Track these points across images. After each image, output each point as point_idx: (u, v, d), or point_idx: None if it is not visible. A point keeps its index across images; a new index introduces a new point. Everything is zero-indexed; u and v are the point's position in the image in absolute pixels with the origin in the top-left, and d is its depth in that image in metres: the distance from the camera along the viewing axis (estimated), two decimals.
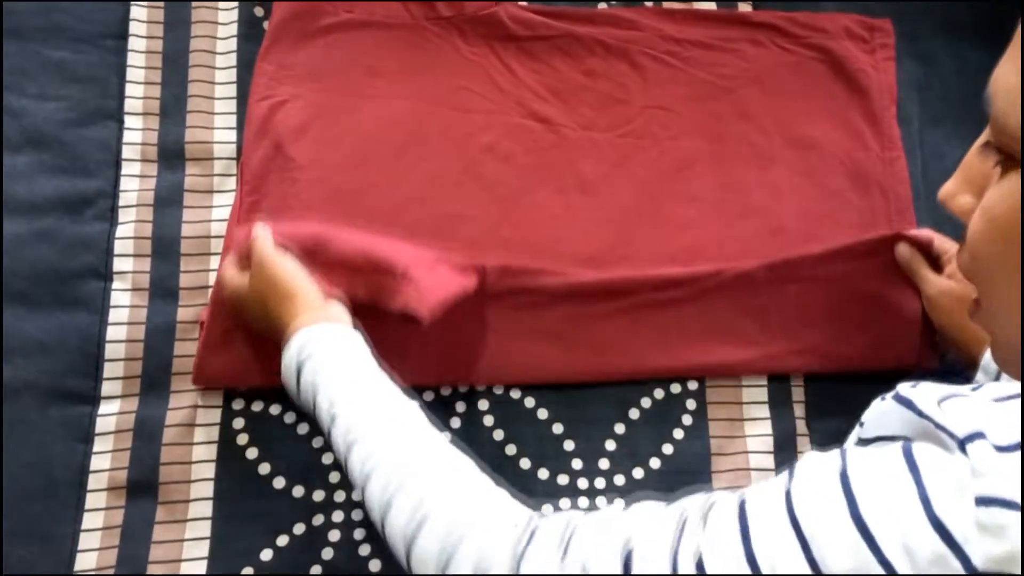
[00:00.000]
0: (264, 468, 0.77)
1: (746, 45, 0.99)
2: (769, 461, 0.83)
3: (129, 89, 0.87)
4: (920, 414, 0.37)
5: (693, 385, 0.85)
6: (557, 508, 0.79)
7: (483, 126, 0.91)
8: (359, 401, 0.59)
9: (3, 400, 0.75)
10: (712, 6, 1.01)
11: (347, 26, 0.92)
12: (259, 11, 0.92)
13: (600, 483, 0.81)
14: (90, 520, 0.74)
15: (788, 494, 0.39)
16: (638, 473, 0.82)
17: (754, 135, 0.95)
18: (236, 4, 0.91)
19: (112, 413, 0.77)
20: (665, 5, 1.00)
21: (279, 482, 0.77)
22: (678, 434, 0.83)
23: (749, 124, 0.95)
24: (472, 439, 0.81)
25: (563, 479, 0.81)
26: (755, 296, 0.85)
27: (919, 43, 1.02)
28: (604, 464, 0.82)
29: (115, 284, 0.81)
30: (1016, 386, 0.37)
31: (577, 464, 0.82)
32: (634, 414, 0.84)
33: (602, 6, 0.99)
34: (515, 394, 0.83)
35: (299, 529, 0.76)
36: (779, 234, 0.90)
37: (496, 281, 0.82)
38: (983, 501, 0.32)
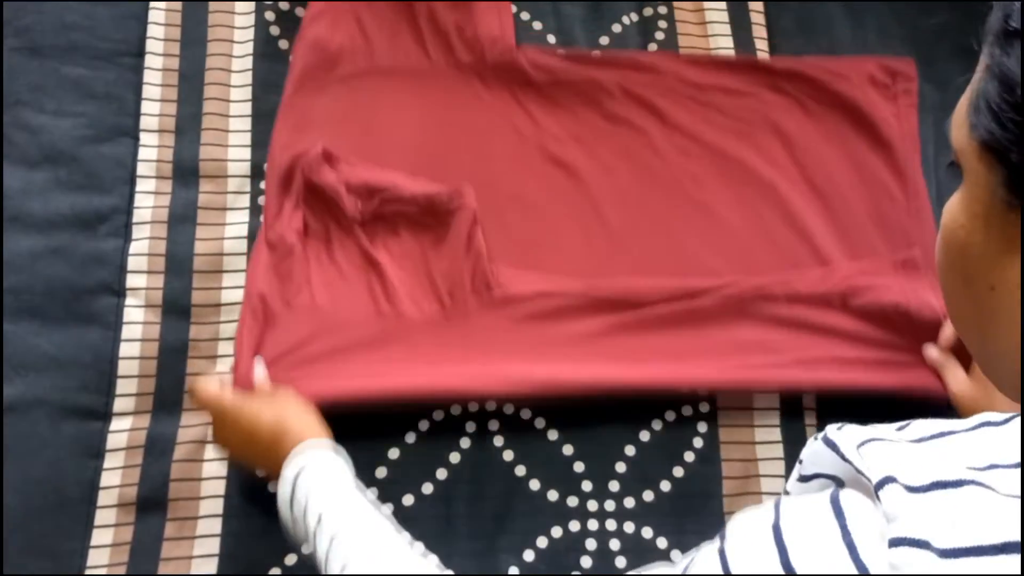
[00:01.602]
0: (273, 486, 0.77)
1: (767, 92, 0.97)
2: (781, 485, 0.82)
3: (145, 107, 0.88)
4: (843, 458, 0.38)
5: (705, 407, 0.85)
6: (566, 530, 0.79)
7: (505, 173, 0.90)
8: (343, 512, 0.63)
9: (15, 415, 0.76)
10: (730, 53, 1.00)
11: (368, 73, 0.91)
12: (275, 30, 0.93)
13: (610, 505, 0.81)
14: (99, 536, 0.74)
15: (722, 552, 0.39)
16: (648, 496, 0.81)
17: (779, 182, 0.93)
18: (252, 23, 0.92)
19: (124, 429, 0.77)
20: (683, 51, 0.99)
21: None
22: (689, 457, 0.83)
23: (773, 171, 0.93)
24: (481, 460, 0.81)
25: (573, 501, 0.80)
26: (771, 308, 0.85)
27: (935, 67, 1.02)
28: (614, 486, 0.81)
29: (128, 300, 0.81)
30: (939, 425, 0.38)
31: (587, 486, 0.81)
32: (645, 436, 0.83)
33: (596, 53, 0.97)
34: (525, 415, 0.83)
35: (307, 548, 0.76)
36: None
37: (507, 282, 0.84)
38: (894, 542, 0.32)
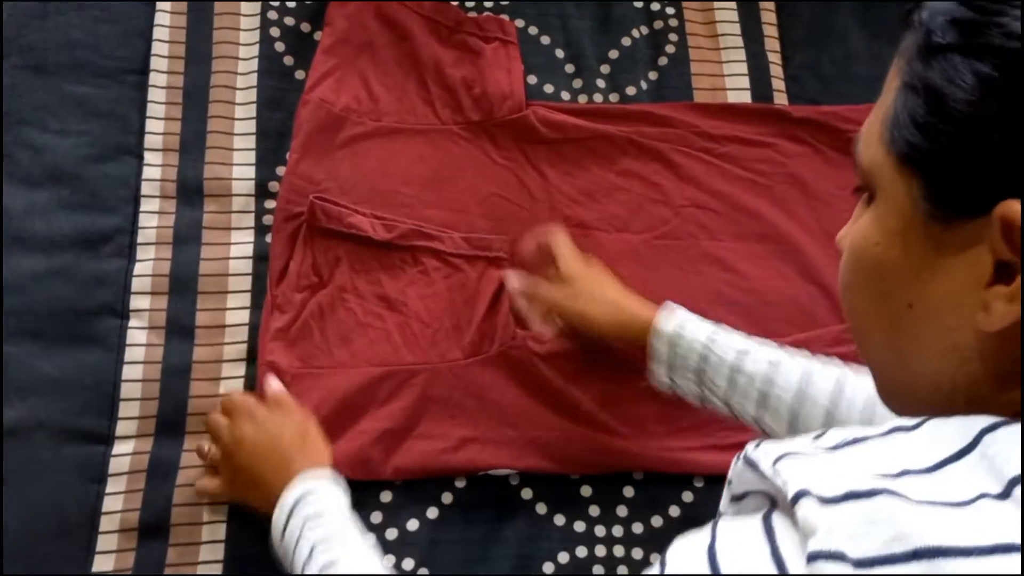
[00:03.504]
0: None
1: (784, 141, 0.94)
2: None
3: (149, 125, 0.86)
4: (763, 476, 0.38)
5: None
6: (573, 556, 0.78)
7: (515, 233, 0.88)
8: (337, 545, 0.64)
9: (15, 439, 0.75)
10: (742, 66, 0.98)
11: (375, 135, 0.89)
12: (280, 46, 0.91)
13: (618, 531, 0.79)
14: (100, 562, 0.73)
15: None
16: (657, 521, 0.80)
17: (796, 235, 0.90)
18: (257, 40, 0.91)
19: (126, 453, 0.77)
20: (698, 100, 0.96)
21: None
22: (698, 482, 0.82)
23: (791, 223, 0.91)
24: (487, 483, 0.80)
25: (580, 526, 0.79)
26: None
27: None
28: (622, 511, 0.80)
29: (132, 322, 0.80)
30: (853, 431, 0.38)
31: (594, 511, 0.80)
32: None
33: (607, 107, 0.95)
34: None
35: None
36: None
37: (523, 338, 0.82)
38: (811, 556, 0.32)
